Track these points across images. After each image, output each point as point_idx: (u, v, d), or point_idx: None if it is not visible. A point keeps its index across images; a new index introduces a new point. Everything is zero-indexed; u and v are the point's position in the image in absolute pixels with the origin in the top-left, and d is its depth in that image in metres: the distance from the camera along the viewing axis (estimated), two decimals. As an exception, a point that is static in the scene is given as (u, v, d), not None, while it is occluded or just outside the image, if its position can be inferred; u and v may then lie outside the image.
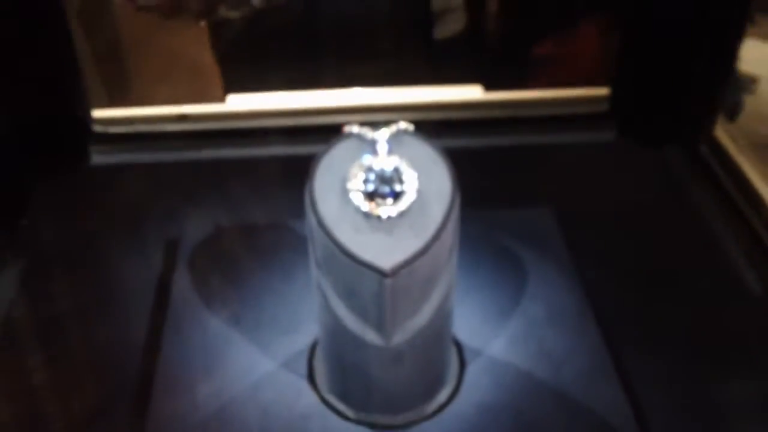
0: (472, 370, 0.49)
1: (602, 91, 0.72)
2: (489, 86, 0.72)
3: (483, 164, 0.67)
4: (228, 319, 0.52)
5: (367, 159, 0.40)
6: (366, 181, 0.39)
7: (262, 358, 0.49)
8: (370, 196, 0.39)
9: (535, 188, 0.66)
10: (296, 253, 0.55)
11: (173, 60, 0.69)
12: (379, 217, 0.39)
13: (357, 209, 0.39)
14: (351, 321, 0.41)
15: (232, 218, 0.61)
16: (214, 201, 0.63)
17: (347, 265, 0.38)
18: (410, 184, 0.39)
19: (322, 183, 0.40)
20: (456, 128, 0.71)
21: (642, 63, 0.68)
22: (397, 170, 0.39)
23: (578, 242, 0.58)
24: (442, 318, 0.43)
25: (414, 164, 0.40)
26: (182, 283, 0.55)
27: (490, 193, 0.63)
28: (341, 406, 0.46)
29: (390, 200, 0.39)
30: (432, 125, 0.67)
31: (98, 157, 0.69)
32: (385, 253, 0.37)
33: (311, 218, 0.39)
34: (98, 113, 0.70)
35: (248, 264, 0.56)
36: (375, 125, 0.41)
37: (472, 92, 0.72)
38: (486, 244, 0.58)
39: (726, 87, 0.65)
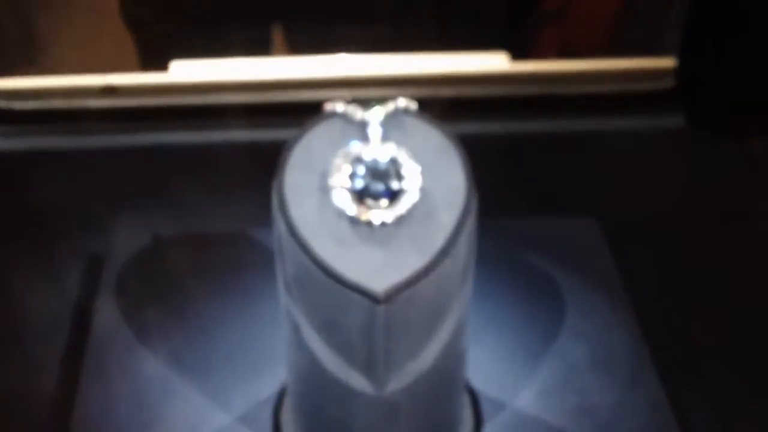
0: (492, 429, 0.49)
1: (666, 62, 0.72)
2: (517, 54, 0.72)
3: (507, 156, 0.67)
4: (168, 360, 0.52)
5: (355, 147, 0.39)
6: (353, 177, 0.39)
7: (213, 411, 0.49)
8: (359, 196, 0.39)
9: (576, 190, 0.66)
10: (260, 271, 0.55)
11: (98, 15, 0.69)
12: (370, 224, 0.39)
13: (341, 213, 0.39)
14: (331, 362, 0.41)
15: (175, 226, 0.61)
16: (151, 202, 0.63)
17: (327, 288, 0.38)
18: (411, 181, 0.39)
19: (296, 179, 0.40)
20: (473, 108, 0.71)
21: (719, 26, 0.68)
22: (394, 162, 0.39)
23: (631, 261, 0.58)
24: (452, 359, 0.43)
25: (417, 155, 0.40)
26: (107, 311, 0.55)
27: (516, 195, 0.63)
28: (317, 475, 0.46)
29: (385, 202, 0.39)
30: (441, 104, 0.68)
31: (-1, 142, 0.69)
32: (377, 271, 0.37)
33: (280, 225, 0.39)
34: (-1, 84, 0.70)
35: (196, 287, 0.56)
36: (366, 103, 0.41)
37: (494, 61, 0.72)
38: (510, 263, 0.58)
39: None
